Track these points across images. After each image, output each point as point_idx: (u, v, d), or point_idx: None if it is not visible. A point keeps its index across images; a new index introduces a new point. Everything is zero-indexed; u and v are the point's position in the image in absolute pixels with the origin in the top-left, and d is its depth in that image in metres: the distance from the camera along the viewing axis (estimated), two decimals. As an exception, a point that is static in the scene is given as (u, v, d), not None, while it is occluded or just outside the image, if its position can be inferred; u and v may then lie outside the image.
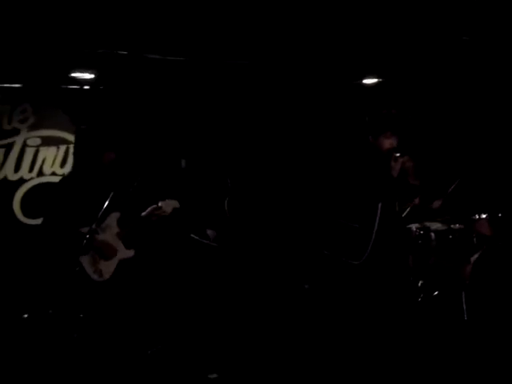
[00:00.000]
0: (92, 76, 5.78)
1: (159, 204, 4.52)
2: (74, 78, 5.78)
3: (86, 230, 4.31)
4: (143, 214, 4.53)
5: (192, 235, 5.55)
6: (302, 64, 5.99)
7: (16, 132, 5.80)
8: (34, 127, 5.85)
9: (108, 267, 4.40)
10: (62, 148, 5.90)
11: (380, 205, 4.23)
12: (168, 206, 4.55)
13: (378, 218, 4.21)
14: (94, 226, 4.29)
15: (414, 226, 5.56)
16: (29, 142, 5.84)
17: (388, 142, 4.28)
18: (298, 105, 6.47)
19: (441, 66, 6.00)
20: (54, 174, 5.89)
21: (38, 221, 5.59)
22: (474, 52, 5.64)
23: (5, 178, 5.76)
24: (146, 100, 6.05)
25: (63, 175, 5.81)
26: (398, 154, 4.26)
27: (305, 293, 5.79)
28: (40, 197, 5.76)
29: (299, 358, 4.51)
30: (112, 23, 5.16)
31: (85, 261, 4.34)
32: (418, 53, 5.73)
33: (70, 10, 4.99)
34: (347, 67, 6.07)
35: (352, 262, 4.17)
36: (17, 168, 5.79)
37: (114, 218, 4.48)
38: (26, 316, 5.19)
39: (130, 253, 4.51)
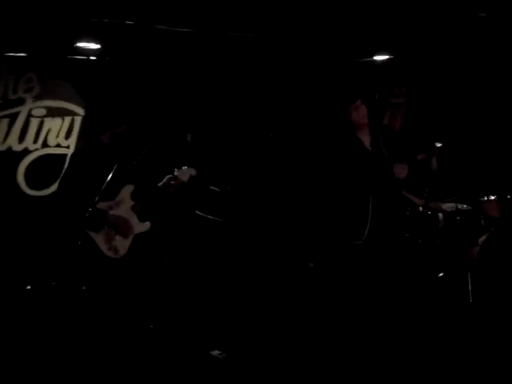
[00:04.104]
0: (98, 46, 5.91)
1: (175, 173, 4.54)
2: (80, 48, 5.90)
3: (92, 205, 4.31)
4: (159, 184, 4.55)
5: (197, 211, 5.76)
6: (306, 39, 6.09)
7: (21, 102, 5.94)
8: (39, 97, 6.00)
9: (123, 243, 4.43)
10: (67, 119, 6.06)
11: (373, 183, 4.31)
12: (184, 174, 4.55)
13: (371, 196, 4.29)
14: (96, 199, 4.40)
15: (421, 207, 5.83)
16: (34, 112, 5.98)
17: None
18: (303, 84, 6.58)
19: (454, 42, 6.18)
20: (58, 145, 6.06)
21: (42, 192, 5.93)
22: (490, 29, 5.70)
23: (9, 149, 5.91)
24: (151, 73, 6.20)
25: (67, 147, 6.03)
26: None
27: (309, 271, 6.05)
28: (44, 168, 5.96)
29: (300, 340, 4.62)
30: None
31: (98, 238, 4.37)
32: (430, 28, 5.84)
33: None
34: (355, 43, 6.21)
35: (354, 243, 4.43)
36: (21, 138, 5.95)
37: (127, 191, 4.51)
38: (28, 287, 5.52)
39: (146, 226, 4.53)
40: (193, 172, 4.64)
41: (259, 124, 6.48)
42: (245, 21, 5.76)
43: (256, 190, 6.04)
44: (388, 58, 6.56)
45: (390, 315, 4.54)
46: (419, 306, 5.21)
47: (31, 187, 5.97)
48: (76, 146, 5.96)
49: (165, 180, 4.59)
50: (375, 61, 6.59)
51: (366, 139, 4.44)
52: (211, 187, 5.70)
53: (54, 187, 5.85)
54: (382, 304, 4.45)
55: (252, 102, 6.49)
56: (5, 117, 5.93)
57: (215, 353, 4.58)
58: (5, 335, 4.71)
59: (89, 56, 6.10)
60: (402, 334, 4.59)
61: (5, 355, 4.42)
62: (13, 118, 5.94)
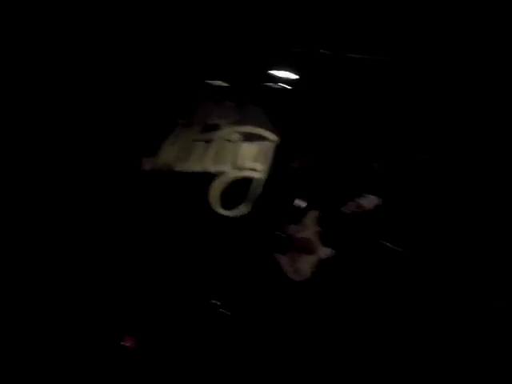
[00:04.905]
0: (293, 75, 6.19)
1: (360, 200, 4.84)
2: (275, 76, 6.22)
3: (282, 228, 4.84)
4: (343, 209, 4.86)
5: (380, 240, 5.75)
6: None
7: (218, 127, 6.33)
8: (234, 123, 6.33)
9: (308, 267, 4.80)
10: (260, 145, 6.27)
11: None
12: (369, 202, 4.86)
13: None
14: (289, 225, 4.78)
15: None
16: (229, 137, 6.32)
17: None
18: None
19: None
20: (251, 169, 6.26)
21: (233, 212, 6.14)
22: None
23: (205, 171, 6.27)
24: (342, 102, 6.26)
25: (259, 171, 6.23)
26: None
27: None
28: (236, 190, 6.21)
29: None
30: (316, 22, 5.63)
31: (283, 260, 4.83)
32: None
33: (275, 10, 5.53)
34: None
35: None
36: (216, 161, 6.29)
37: (312, 216, 4.90)
38: (215, 302, 5.69)
39: (330, 252, 4.84)
40: (377, 201, 4.88)
41: (455, 155, 6.31)
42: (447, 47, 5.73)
43: (447, 222, 5.91)
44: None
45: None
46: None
47: (224, 207, 6.22)
48: (267, 171, 6.17)
49: (348, 206, 4.86)
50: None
51: None
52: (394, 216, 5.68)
53: (245, 208, 6.10)
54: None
55: (448, 131, 6.32)
56: (203, 141, 6.36)
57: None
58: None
59: (283, 84, 6.33)
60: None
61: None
62: (209, 142, 6.34)
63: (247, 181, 6.25)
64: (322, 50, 5.95)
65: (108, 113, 6.18)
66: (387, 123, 6.21)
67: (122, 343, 5.10)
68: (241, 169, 6.30)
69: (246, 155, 6.32)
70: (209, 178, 6.30)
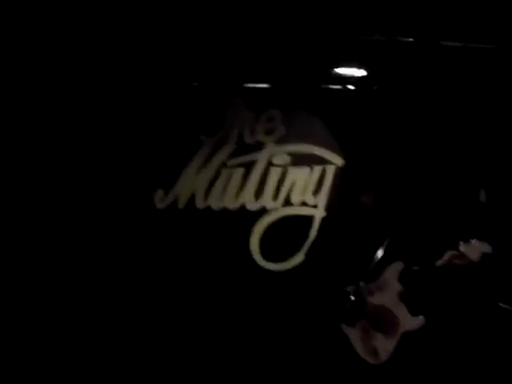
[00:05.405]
0: (361, 72, 5.68)
1: (461, 248, 4.51)
2: (336, 74, 5.70)
3: (352, 288, 4.55)
4: (438, 263, 4.57)
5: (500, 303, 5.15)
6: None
7: (259, 147, 5.76)
8: (282, 141, 5.78)
9: (386, 344, 4.53)
10: (317, 169, 5.75)
11: None
12: (474, 250, 4.49)
13: None
14: (362, 284, 4.51)
15: None
16: (274, 159, 5.77)
17: None
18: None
19: None
20: (304, 203, 5.78)
21: (281, 266, 5.90)
22: None
23: (242, 207, 5.74)
24: (433, 105, 5.76)
25: (316, 206, 5.83)
26: None
27: None
28: (285, 234, 5.77)
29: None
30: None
31: (353, 334, 4.56)
32: None
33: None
34: None
35: None
36: (258, 194, 5.75)
37: (394, 271, 4.67)
38: None
39: (418, 322, 4.57)
40: (486, 248, 4.53)
41: None
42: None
43: None
44: None
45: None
46: None
47: (267, 258, 5.81)
48: (327, 207, 5.81)
49: (446, 257, 4.61)
50: None
51: None
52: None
53: (296, 259, 5.80)
54: None
55: None
56: (239, 166, 5.78)
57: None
58: None
59: (347, 84, 5.90)
60: None
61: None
62: (249, 167, 5.80)
63: (300, 221, 5.86)
64: (399, 37, 5.40)
65: (112, 132, 5.78)
66: (496, 137, 5.72)
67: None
68: (289, 204, 5.90)
69: (295, 184, 5.88)
70: (248, 217, 5.90)
